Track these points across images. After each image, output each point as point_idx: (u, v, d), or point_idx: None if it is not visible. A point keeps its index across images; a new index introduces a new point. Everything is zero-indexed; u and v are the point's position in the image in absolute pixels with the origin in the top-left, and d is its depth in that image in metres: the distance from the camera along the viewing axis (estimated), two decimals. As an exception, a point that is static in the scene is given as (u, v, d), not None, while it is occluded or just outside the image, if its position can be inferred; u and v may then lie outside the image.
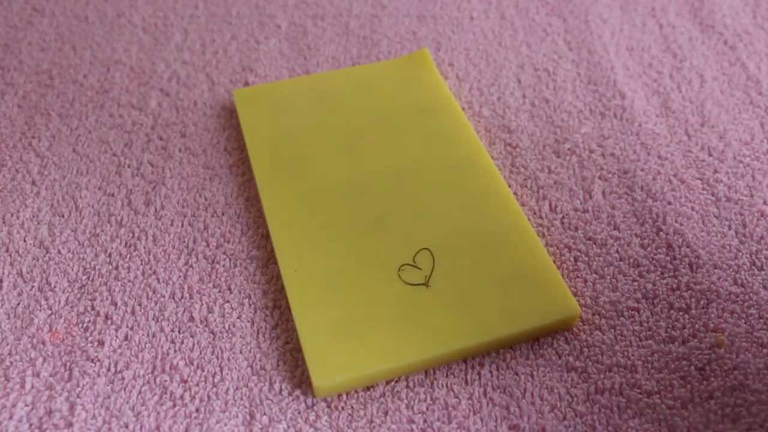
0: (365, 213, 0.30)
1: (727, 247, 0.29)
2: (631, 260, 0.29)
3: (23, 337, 0.27)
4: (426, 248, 0.28)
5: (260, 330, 0.27)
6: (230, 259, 0.30)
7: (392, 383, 0.25)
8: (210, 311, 0.28)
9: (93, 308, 0.28)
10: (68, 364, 0.26)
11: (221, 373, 0.26)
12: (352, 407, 0.25)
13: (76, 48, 0.41)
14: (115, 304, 0.28)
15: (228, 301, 0.28)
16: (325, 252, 0.29)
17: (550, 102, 0.36)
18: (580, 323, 0.27)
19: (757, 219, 0.30)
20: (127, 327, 0.27)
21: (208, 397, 0.25)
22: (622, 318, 0.27)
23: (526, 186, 0.32)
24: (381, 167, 0.32)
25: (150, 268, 0.29)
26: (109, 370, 0.26)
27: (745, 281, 0.28)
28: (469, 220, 0.30)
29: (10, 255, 0.30)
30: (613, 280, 0.28)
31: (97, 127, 0.36)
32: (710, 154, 0.33)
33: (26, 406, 0.25)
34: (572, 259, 0.29)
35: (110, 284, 0.29)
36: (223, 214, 0.31)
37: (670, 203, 0.31)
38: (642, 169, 0.33)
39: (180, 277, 0.29)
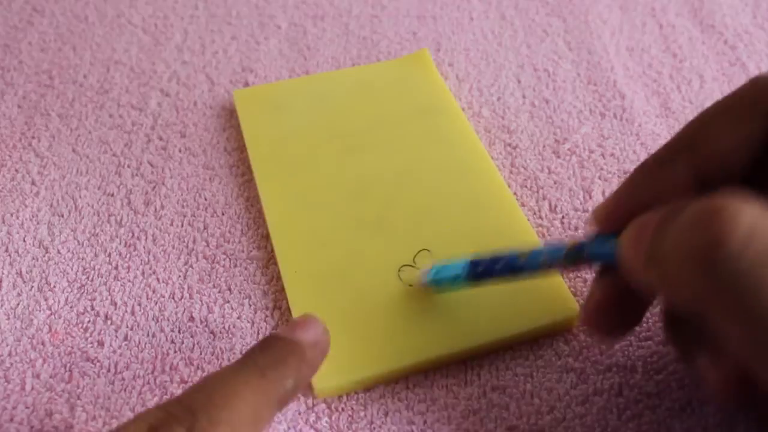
0: (365, 213, 0.30)
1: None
2: (631, 261, 0.29)
3: (23, 337, 0.27)
4: (426, 249, 0.28)
5: (260, 331, 0.27)
6: (230, 260, 0.30)
7: (392, 384, 0.25)
8: (210, 311, 0.28)
9: (93, 308, 0.28)
10: (68, 365, 0.26)
11: (221, 373, 0.26)
12: (352, 408, 0.25)
13: (76, 48, 0.41)
14: (115, 304, 0.28)
15: (228, 302, 0.28)
16: (325, 253, 0.29)
17: (550, 102, 0.36)
18: (580, 323, 0.27)
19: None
20: (127, 327, 0.27)
21: (208, 397, 0.25)
22: (621, 319, 0.27)
23: (526, 186, 0.32)
24: (381, 167, 0.32)
25: (150, 268, 0.29)
26: (109, 370, 0.26)
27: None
28: (469, 221, 0.30)
29: (10, 255, 0.30)
30: (613, 281, 0.28)
31: (97, 127, 0.36)
32: (710, 155, 0.33)
33: (27, 408, 0.25)
34: (572, 259, 0.29)
35: (110, 284, 0.29)
36: (223, 214, 0.31)
37: (669, 204, 0.31)
38: (642, 170, 0.33)
39: (180, 277, 0.29)
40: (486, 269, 0.24)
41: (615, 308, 0.22)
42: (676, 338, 0.22)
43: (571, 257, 0.22)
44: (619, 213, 0.21)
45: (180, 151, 0.34)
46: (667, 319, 0.23)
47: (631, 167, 0.33)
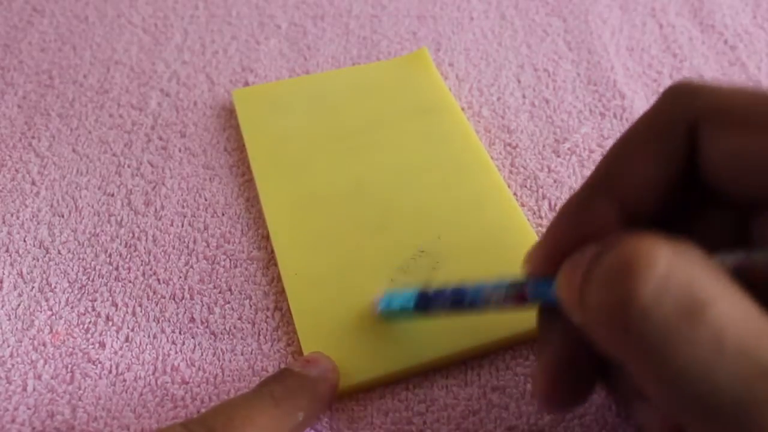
0: (365, 214, 0.30)
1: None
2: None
3: (24, 338, 0.27)
4: (425, 250, 0.29)
5: (261, 331, 0.27)
6: (230, 260, 0.30)
7: (392, 384, 0.26)
8: (211, 312, 0.28)
9: (94, 309, 0.28)
10: (69, 366, 0.26)
11: (222, 374, 0.26)
12: (352, 409, 0.25)
13: (76, 48, 0.41)
14: (116, 305, 0.28)
15: (228, 302, 0.28)
16: (325, 253, 0.29)
17: (550, 102, 0.36)
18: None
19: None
20: (128, 328, 0.27)
21: (209, 398, 0.25)
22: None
23: (525, 186, 0.32)
24: (380, 167, 0.32)
25: (150, 269, 0.29)
26: (110, 372, 0.26)
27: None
28: (469, 221, 0.30)
29: (10, 255, 0.30)
30: (613, 281, 0.28)
31: (97, 127, 0.36)
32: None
33: (28, 409, 0.25)
34: (572, 260, 0.29)
35: (110, 285, 0.29)
36: (223, 215, 0.31)
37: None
38: (641, 170, 0.33)
39: (180, 277, 0.29)
40: (433, 297, 0.24)
41: (569, 376, 0.20)
42: (613, 385, 0.21)
43: (513, 290, 0.21)
44: (551, 255, 0.20)
45: (180, 151, 0.34)
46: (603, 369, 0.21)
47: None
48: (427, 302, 0.24)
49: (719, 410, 0.15)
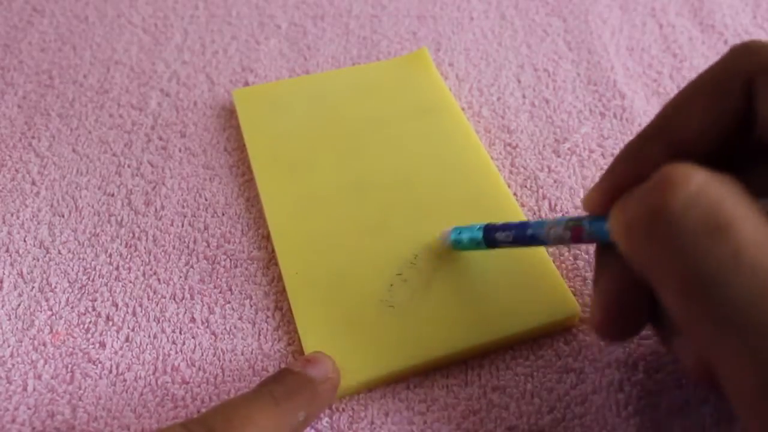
0: (365, 214, 0.30)
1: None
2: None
3: (24, 338, 0.27)
4: (425, 250, 0.29)
5: (261, 331, 0.27)
6: (231, 260, 0.30)
7: (392, 384, 0.26)
8: (211, 312, 0.28)
9: (94, 309, 0.28)
10: (70, 366, 0.26)
11: (222, 374, 0.26)
12: (353, 409, 0.25)
13: (76, 48, 0.41)
14: (116, 305, 0.28)
15: (229, 302, 0.28)
16: (325, 253, 0.29)
17: (550, 102, 0.36)
18: (580, 323, 0.27)
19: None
20: (128, 328, 0.27)
21: (210, 398, 0.25)
22: (621, 319, 0.27)
23: (525, 186, 0.32)
24: (380, 167, 0.32)
25: (150, 269, 0.29)
26: (110, 372, 0.26)
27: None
28: (469, 221, 0.30)
29: (11, 255, 0.30)
30: (613, 281, 0.28)
31: (97, 127, 0.36)
32: (709, 155, 0.33)
33: (29, 409, 0.25)
34: (572, 258, 0.29)
35: (111, 285, 0.29)
36: (223, 215, 0.31)
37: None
38: (641, 170, 0.33)
39: (181, 277, 0.29)
40: (499, 228, 0.26)
41: (624, 310, 0.22)
42: (655, 318, 0.22)
43: (571, 225, 0.22)
44: (606, 195, 0.21)
45: (180, 151, 0.34)
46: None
47: (630, 167, 0.33)
48: (493, 232, 0.26)
49: (730, 320, 0.16)
